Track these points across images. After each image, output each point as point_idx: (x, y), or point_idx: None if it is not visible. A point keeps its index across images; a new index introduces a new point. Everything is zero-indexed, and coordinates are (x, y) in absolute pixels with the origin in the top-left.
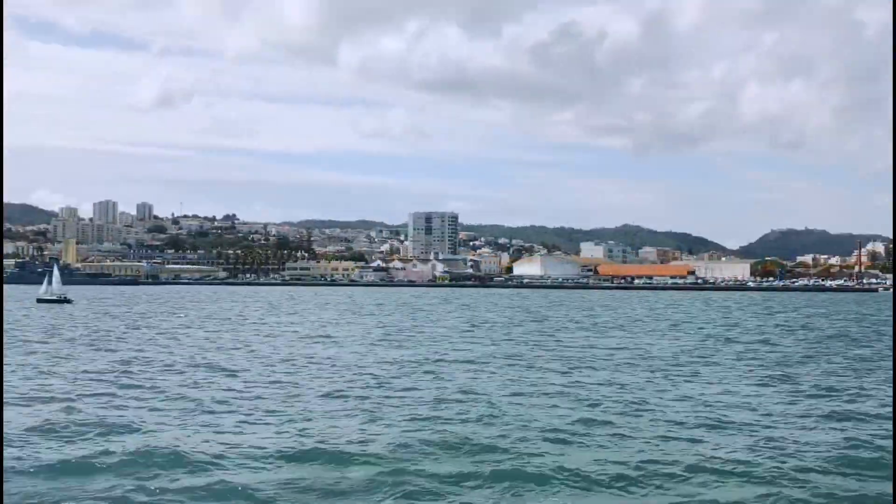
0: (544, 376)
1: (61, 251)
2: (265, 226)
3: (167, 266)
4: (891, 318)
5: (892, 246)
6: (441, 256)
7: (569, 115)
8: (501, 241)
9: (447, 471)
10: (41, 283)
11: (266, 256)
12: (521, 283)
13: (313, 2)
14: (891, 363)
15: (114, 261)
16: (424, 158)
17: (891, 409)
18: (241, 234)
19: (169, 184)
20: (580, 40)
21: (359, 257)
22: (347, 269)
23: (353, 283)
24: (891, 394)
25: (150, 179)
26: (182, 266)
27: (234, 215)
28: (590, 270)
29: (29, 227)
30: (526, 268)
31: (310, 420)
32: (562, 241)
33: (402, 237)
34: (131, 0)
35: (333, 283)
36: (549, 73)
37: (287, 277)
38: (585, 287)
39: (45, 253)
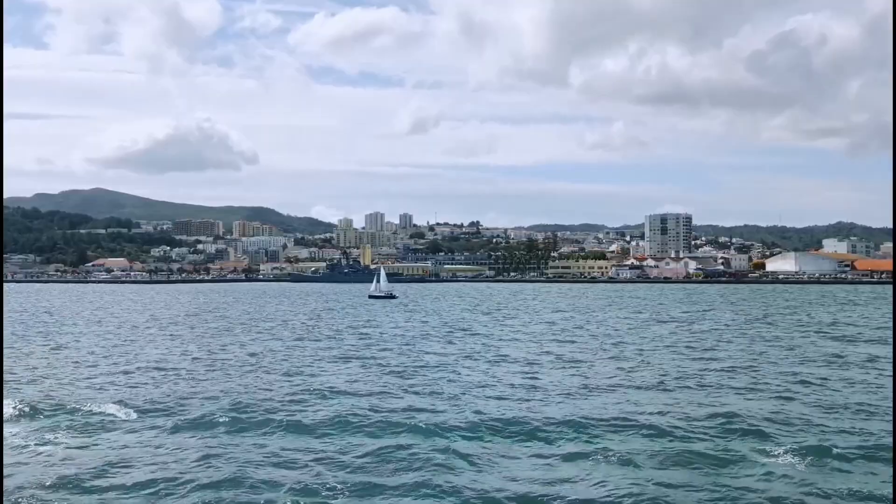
0: None
1: (359, 255)
2: (505, 231)
3: (445, 266)
4: None
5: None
6: (682, 255)
7: (783, 120)
8: (721, 240)
9: None
10: (348, 281)
11: (528, 258)
12: (777, 279)
13: (547, 31)
14: None
15: (394, 262)
16: (641, 166)
17: None
18: (485, 239)
19: (423, 197)
20: (799, 47)
21: (601, 256)
22: (604, 267)
23: (611, 280)
24: None
25: (407, 194)
26: (458, 266)
27: (478, 222)
28: (847, 266)
29: (317, 236)
30: (779, 264)
31: None
32: (774, 238)
33: (626, 238)
34: (392, 43)
35: (594, 280)
36: (765, 80)
37: (550, 275)
38: (844, 282)
39: (351, 256)
